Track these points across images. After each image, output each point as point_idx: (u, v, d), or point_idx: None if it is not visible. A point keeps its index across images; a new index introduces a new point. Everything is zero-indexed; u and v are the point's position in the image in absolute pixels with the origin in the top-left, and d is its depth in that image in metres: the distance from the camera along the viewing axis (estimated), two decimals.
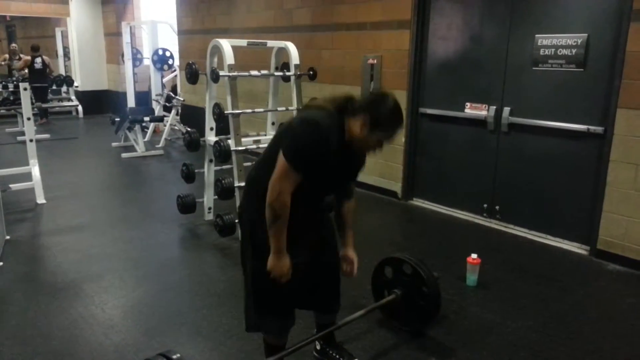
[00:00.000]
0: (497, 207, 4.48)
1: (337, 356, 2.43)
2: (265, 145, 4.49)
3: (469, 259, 3.32)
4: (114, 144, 7.86)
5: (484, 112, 4.41)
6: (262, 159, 2.07)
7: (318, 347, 2.50)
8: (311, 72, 4.38)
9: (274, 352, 2.21)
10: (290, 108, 4.36)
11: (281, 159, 1.87)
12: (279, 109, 4.55)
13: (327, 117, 1.91)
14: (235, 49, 3.99)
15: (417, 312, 2.66)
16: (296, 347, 2.22)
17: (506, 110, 4.25)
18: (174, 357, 1.78)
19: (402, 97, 4.99)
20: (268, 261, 1.96)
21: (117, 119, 7.61)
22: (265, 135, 4.59)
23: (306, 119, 1.93)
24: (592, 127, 3.76)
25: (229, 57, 3.92)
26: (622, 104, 3.51)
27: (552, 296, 3.23)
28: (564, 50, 3.82)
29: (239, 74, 3.99)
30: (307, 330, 2.54)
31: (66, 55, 12.12)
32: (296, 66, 4.30)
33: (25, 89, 4.87)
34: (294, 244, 1.98)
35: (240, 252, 2.22)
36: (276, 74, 4.42)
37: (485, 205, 4.56)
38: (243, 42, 4.25)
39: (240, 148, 3.99)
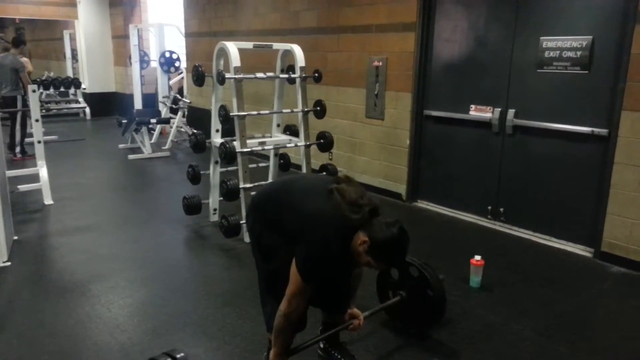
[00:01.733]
0: (501, 209, 4.48)
1: (339, 357, 2.45)
2: (270, 147, 4.55)
3: (472, 261, 3.33)
4: (121, 146, 7.92)
5: (488, 114, 4.42)
6: (276, 192, 2.20)
7: (322, 346, 2.52)
8: (316, 75, 4.40)
9: None
10: (295, 110, 4.39)
11: (295, 275, 1.92)
12: (284, 110, 4.57)
13: (341, 236, 1.91)
14: (241, 51, 4.03)
15: (422, 314, 2.67)
16: (301, 348, 2.23)
17: (511, 112, 4.26)
18: (179, 356, 1.80)
19: (407, 100, 5.01)
20: (270, 356, 2.10)
21: (124, 121, 7.67)
22: (271, 137, 4.62)
23: (322, 238, 1.91)
24: (596, 130, 3.76)
25: (235, 60, 3.95)
26: (627, 106, 3.51)
27: (555, 298, 3.23)
28: (569, 52, 3.82)
29: (245, 76, 4.02)
30: (312, 329, 2.56)
31: (74, 57, 12.23)
32: (301, 68, 4.32)
33: (34, 91, 4.93)
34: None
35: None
36: (281, 76, 4.45)
37: (489, 208, 4.56)
38: (249, 45, 4.29)
39: (245, 150, 4.02)
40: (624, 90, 3.51)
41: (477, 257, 3.33)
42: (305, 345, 2.25)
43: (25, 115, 6.93)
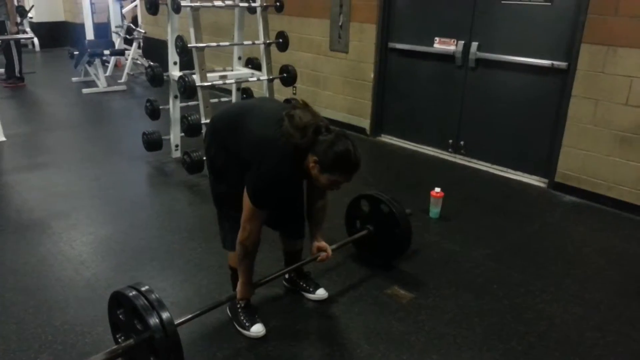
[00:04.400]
0: (461, 143, 4.57)
1: (305, 285, 2.54)
2: (232, 81, 4.43)
3: (432, 193, 3.42)
4: (74, 79, 7.57)
5: (452, 47, 4.40)
6: (232, 117, 2.13)
7: (287, 276, 2.59)
8: (278, 4, 4.24)
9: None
10: (256, 42, 4.25)
11: (247, 202, 1.93)
12: (245, 42, 4.42)
13: (287, 156, 1.89)
14: None
15: (388, 246, 2.76)
16: (267, 280, 2.30)
17: (474, 45, 4.25)
18: (143, 288, 1.83)
19: (371, 32, 4.91)
20: (237, 289, 2.17)
21: (76, 53, 7.27)
22: (232, 70, 4.49)
23: (269, 163, 1.90)
24: (556, 63, 3.81)
25: None
26: (587, 39, 3.55)
27: (510, 227, 3.39)
28: None
29: (202, 4, 3.84)
30: (277, 263, 2.62)
31: None
32: None
33: None
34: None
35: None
36: (241, 4, 4.25)
37: (450, 141, 4.65)
38: None
39: (206, 84, 3.91)
40: (585, 23, 3.54)
41: (437, 189, 3.42)
42: (271, 276, 2.32)
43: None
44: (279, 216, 2.26)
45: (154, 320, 1.73)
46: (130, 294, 1.80)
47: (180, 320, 1.95)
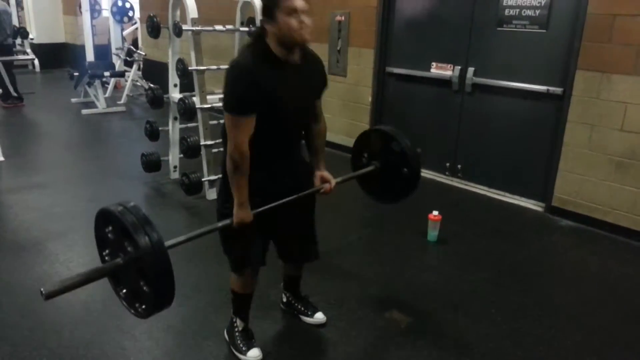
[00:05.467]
0: (459, 166, 4.60)
1: (303, 309, 2.52)
2: None
3: (430, 216, 3.43)
4: (74, 100, 7.61)
5: (449, 72, 4.46)
6: None
7: (284, 300, 2.58)
8: None
9: (240, 304, 2.27)
10: None
11: (226, 115, 1.89)
12: None
13: (246, 51, 1.90)
14: (198, 2, 3.88)
15: (395, 186, 2.51)
16: (266, 208, 2.02)
17: (470, 70, 4.31)
18: (130, 205, 1.72)
19: (369, 56, 4.98)
20: (233, 213, 1.95)
21: (76, 74, 7.33)
22: None
23: (229, 68, 1.91)
24: (551, 88, 3.86)
25: (192, 11, 3.81)
26: (581, 66, 3.61)
27: (507, 251, 3.39)
28: (528, 10, 3.86)
29: (203, 28, 3.89)
30: (274, 283, 2.61)
31: (19, 5, 11.44)
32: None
33: None
34: (268, 189, 2.00)
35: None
36: (242, 29, 4.32)
37: (447, 164, 4.68)
38: None
39: (205, 106, 3.94)
40: (579, 50, 3.60)
41: (435, 212, 3.43)
42: (267, 207, 2.02)
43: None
44: (284, 240, 2.22)
45: (143, 240, 1.60)
46: (118, 210, 1.68)
47: (171, 243, 1.84)
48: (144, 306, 1.66)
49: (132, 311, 1.68)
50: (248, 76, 1.84)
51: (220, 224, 2.00)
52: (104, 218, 1.76)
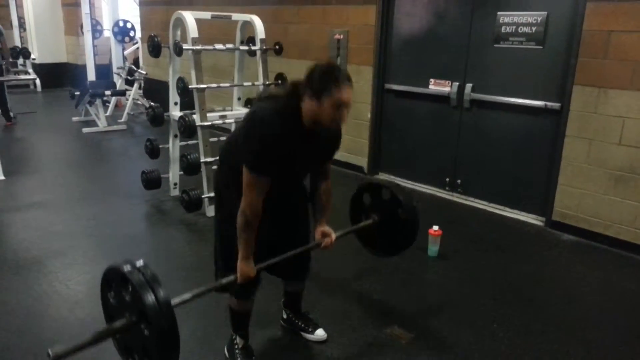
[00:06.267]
0: (458, 181, 4.61)
1: (303, 325, 2.51)
2: (231, 121, 4.49)
3: (430, 231, 3.43)
4: (75, 119, 7.65)
5: (447, 89, 4.49)
6: (233, 134, 2.14)
7: (285, 316, 2.57)
8: (277, 47, 4.35)
9: (239, 321, 2.26)
10: (256, 83, 4.34)
11: (245, 171, 1.88)
12: (245, 84, 4.52)
13: (278, 111, 1.89)
14: (199, 21, 3.93)
15: (394, 238, 2.55)
16: (269, 263, 2.11)
17: (468, 86, 4.34)
18: (139, 264, 1.70)
19: (368, 73, 5.02)
20: (237, 265, 1.99)
21: (77, 93, 7.38)
22: (232, 110, 4.56)
23: (256, 121, 1.89)
24: (549, 104, 3.89)
25: (193, 30, 3.86)
26: (578, 81, 3.64)
27: (508, 266, 3.38)
28: (525, 27, 3.91)
29: (203, 47, 3.93)
30: (274, 299, 2.60)
31: (21, 26, 11.57)
32: (262, 40, 4.26)
33: None
34: (268, 222, 2.01)
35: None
36: (242, 48, 4.37)
37: (447, 179, 4.68)
38: (207, 15, 4.18)
39: (206, 123, 3.96)
40: (576, 66, 3.63)
41: (435, 228, 3.43)
42: (272, 261, 2.10)
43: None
44: (280, 249, 2.18)
45: (148, 297, 1.60)
46: (126, 269, 1.68)
47: (177, 301, 1.84)
48: None
49: None
50: (275, 141, 1.86)
51: (224, 281, 2.04)
52: (110, 277, 1.79)
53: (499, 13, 4.03)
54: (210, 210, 4.01)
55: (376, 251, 2.65)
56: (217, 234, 2.22)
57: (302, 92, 1.88)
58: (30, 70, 10.67)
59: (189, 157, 3.92)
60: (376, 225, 2.52)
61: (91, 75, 9.02)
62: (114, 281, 1.75)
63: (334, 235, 2.20)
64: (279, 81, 4.39)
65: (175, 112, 4.19)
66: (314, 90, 1.84)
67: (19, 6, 11.42)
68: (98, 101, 7.23)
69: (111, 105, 8.24)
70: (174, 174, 4.49)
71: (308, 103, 1.86)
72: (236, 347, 2.25)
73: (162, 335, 1.60)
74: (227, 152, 2.15)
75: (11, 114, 7.28)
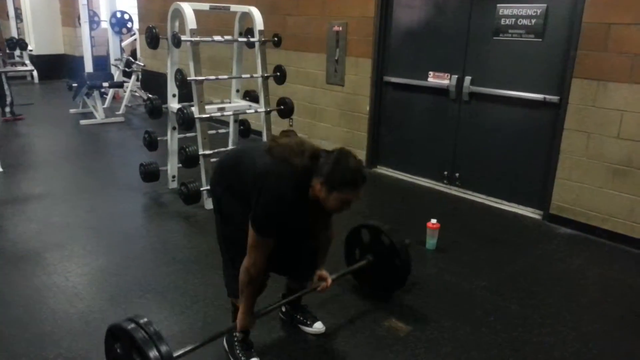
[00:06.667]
0: (456, 175, 4.61)
1: (302, 318, 2.52)
2: (230, 113, 4.48)
3: (429, 224, 3.43)
4: (72, 111, 7.62)
5: (446, 81, 4.49)
6: (234, 156, 2.21)
7: (283, 309, 2.58)
8: (276, 39, 4.33)
9: None
10: (255, 75, 4.32)
11: (251, 230, 1.92)
12: (243, 75, 4.50)
13: (289, 184, 1.91)
14: (197, 12, 3.90)
15: (387, 278, 2.74)
16: (267, 311, 2.27)
17: (467, 79, 4.33)
18: (142, 321, 1.81)
19: (367, 66, 5.01)
20: (237, 318, 2.10)
21: (75, 85, 7.35)
22: (230, 102, 4.55)
23: (268, 190, 1.90)
24: (548, 97, 3.88)
25: (191, 22, 3.83)
26: (577, 74, 3.63)
27: (506, 258, 3.39)
28: (524, 20, 3.90)
29: (202, 39, 3.91)
30: (274, 293, 2.60)
31: (18, 17, 11.49)
32: (260, 32, 4.24)
33: None
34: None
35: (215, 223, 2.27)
36: (240, 39, 4.35)
37: (445, 173, 4.69)
38: (205, 6, 4.15)
39: (204, 115, 3.95)
40: (575, 58, 3.63)
41: (433, 221, 3.43)
42: (271, 308, 2.29)
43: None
44: (285, 261, 2.23)
45: (153, 354, 1.70)
46: (129, 327, 1.78)
47: (179, 353, 1.92)
48: None
49: None
50: (287, 207, 1.93)
51: (225, 329, 2.18)
52: (114, 334, 1.90)
53: (498, 5, 4.01)
54: (208, 203, 4.01)
55: (372, 290, 2.84)
56: (221, 242, 2.26)
57: (317, 172, 1.90)
58: (27, 62, 10.62)
59: (187, 149, 3.91)
60: (371, 264, 2.72)
61: (88, 67, 8.97)
62: (117, 338, 1.89)
63: (329, 279, 2.32)
64: (278, 73, 4.36)
65: (174, 104, 4.17)
66: (328, 183, 1.88)
67: None
68: (96, 93, 7.20)
69: (109, 97, 8.21)
70: (173, 166, 4.48)
71: (318, 186, 1.90)
72: (235, 339, 2.26)
73: None
74: (227, 174, 2.15)
75: (7, 110, 7.04)
